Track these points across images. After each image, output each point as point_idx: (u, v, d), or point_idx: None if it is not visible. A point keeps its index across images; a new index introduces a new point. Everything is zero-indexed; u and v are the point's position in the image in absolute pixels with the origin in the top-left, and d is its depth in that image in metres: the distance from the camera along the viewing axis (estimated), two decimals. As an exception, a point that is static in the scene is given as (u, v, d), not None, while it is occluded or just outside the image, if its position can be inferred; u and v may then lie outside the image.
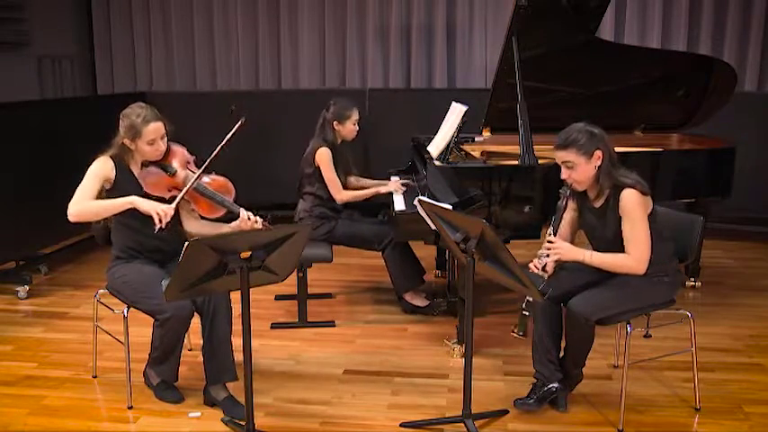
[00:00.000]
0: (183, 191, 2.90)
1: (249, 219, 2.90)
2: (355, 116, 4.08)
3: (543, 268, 2.80)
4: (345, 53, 6.42)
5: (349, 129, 4.08)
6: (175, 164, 3.01)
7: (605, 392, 3.13)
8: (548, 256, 2.80)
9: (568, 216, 2.97)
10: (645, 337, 3.67)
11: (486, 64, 6.21)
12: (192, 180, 2.91)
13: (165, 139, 2.97)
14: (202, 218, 3.09)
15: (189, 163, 3.06)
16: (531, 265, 2.83)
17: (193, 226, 3.12)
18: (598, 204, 2.88)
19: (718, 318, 4.01)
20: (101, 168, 2.92)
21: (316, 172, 4.02)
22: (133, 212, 2.92)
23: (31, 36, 5.82)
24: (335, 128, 4.05)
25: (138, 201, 2.83)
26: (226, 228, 3.02)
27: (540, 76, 4.15)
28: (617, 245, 2.79)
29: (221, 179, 3.06)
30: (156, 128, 2.91)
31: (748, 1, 5.73)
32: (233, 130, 2.90)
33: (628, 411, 2.89)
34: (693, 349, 2.98)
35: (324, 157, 3.99)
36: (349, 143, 4.18)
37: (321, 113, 4.10)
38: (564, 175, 2.84)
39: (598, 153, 2.78)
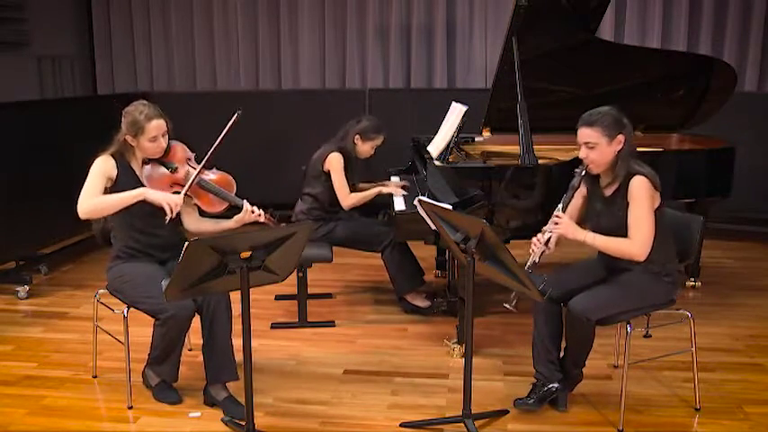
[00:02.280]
0: (187, 186, 2.95)
1: (253, 212, 2.99)
2: (379, 141, 4.06)
3: (546, 243, 2.80)
4: (345, 53, 6.41)
5: (366, 149, 4.06)
6: (176, 161, 3.05)
7: (605, 392, 3.13)
8: (552, 231, 2.80)
9: (577, 201, 2.96)
10: (645, 337, 3.66)
11: (486, 64, 6.21)
12: (194, 175, 2.95)
13: (167, 136, 2.99)
14: (203, 215, 3.12)
15: (189, 159, 3.10)
16: (534, 239, 2.83)
17: (193, 223, 3.14)
18: (608, 192, 2.88)
19: (718, 318, 4.01)
20: (103, 166, 2.93)
21: (322, 176, 4.00)
22: (136, 210, 2.93)
23: (31, 36, 5.82)
24: (356, 141, 4.03)
25: (149, 192, 2.88)
26: (227, 223, 3.06)
27: (540, 76, 4.14)
28: (618, 235, 2.79)
29: (222, 174, 3.12)
30: (157, 125, 2.93)
31: (748, 1, 5.73)
32: (228, 124, 2.95)
33: (628, 411, 2.89)
34: (693, 349, 2.98)
35: (335, 162, 3.96)
36: (360, 160, 4.15)
37: (348, 122, 4.08)
38: (582, 154, 2.83)
39: (620, 137, 2.79)
